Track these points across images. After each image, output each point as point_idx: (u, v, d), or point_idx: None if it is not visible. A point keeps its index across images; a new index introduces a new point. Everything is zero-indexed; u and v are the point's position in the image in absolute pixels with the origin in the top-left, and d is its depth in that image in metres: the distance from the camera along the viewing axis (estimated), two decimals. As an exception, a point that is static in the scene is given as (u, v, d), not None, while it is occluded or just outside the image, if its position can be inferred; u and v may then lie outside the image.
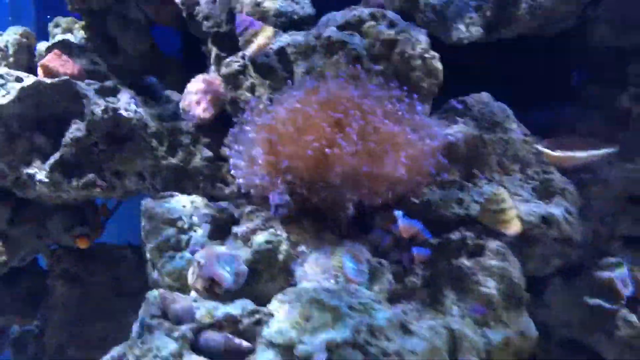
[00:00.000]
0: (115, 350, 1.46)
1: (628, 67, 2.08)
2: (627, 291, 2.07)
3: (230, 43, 2.15)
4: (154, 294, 1.56)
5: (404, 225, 1.79)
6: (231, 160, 1.85)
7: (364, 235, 1.87)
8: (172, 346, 1.43)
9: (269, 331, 1.42)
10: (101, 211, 2.58)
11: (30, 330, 2.86)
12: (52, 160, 1.96)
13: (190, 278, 1.67)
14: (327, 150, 1.66)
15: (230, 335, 1.48)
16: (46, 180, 1.96)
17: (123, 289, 2.52)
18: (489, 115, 1.91)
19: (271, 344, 1.40)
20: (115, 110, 1.97)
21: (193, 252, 1.78)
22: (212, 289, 1.62)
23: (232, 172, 1.91)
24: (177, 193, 1.98)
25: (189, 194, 1.99)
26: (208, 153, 2.09)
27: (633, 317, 2.05)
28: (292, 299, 1.50)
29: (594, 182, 2.08)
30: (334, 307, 1.43)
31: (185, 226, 1.85)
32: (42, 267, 2.74)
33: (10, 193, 2.32)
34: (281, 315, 1.47)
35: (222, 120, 2.10)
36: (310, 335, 1.39)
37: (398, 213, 1.81)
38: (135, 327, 1.52)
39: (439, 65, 1.92)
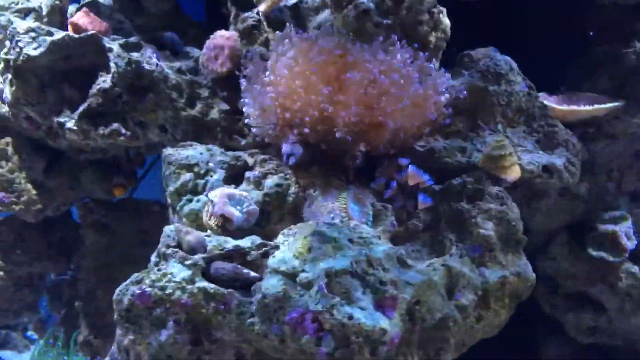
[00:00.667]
0: (134, 276, 1.57)
1: (635, 24, 2.08)
2: (630, 245, 2.10)
3: (248, 2, 2.22)
4: (170, 228, 1.66)
5: (410, 172, 1.85)
6: (244, 109, 1.93)
7: (369, 183, 1.94)
8: (185, 273, 1.52)
9: (274, 260, 1.50)
10: (136, 161, 2.71)
11: (65, 279, 3.03)
12: (80, 109, 2.07)
13: (205, 216, 1.76)
14: (327, 107, 1.73)
15: (239, 265, 1.57)
16: (75, 128, 2.08)
17: (148, 240, 2.64)
18: (493, 68, 1.94)
19: (276, 272, 1.48)
20: (138, 62, 2.06)
21: (208, 195, 1.87)
22: (224, 226, 1.72)
23: (247, 121, 1.99)
24: (195, 143, 2.07)
25: (207, 144, 2.07)
26: (225, 106, 2.17)
27: (635, 269, 2.08)
28: (296, 232, 1.58)
29: (599, 137, 2.10)
30: (334, 239, 1.51)
31: (202, 171, 1.94)
32: (76, 220, 2.89)
33: (45, 146, 2.46)
34: (286, 247, 1.55)
35: (240, 74, 2.17)
36: (312, 264, 1.47)
37: (403, 161, 1.87)
38: (153, 257, 1.62)
39: (446, 20, 1.95)
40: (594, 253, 2.07)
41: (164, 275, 1.52)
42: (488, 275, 1.66)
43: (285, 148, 2.00)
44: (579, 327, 2.23)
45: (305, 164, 1.94)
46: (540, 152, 1.91)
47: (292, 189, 1.83)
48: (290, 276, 1.47)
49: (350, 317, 1.40)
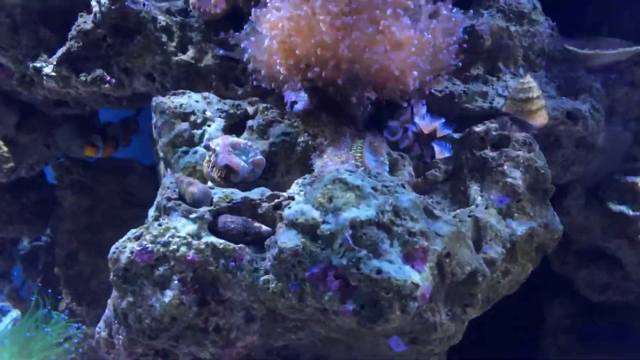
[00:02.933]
0: (132, 232, 1.42)
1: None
2: (651, 196, 2.02)
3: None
4: (169, 179, 1.51)
5: (427, 120, 1.72)
6: (245, 53, 1.76)
7: (382, 133, 1.81)
8: (190, 227, 1.38)
9: (290, 212, 1.37)
10: (133, 128, 2.53)
11: (40, 245, 2.84)
12: (59, 53, 1.88)
13: (206, 167, 1.62)
14: (327, 53, 1.58)
15: (249, 219, 1.43)
16: (53, 74, 1.89)
17: (132, 199, 2.49)
18: (516, 6, 1.81)
19: (293, 225, 1.35)
20: (122, 1, 1.87)
21: (207, 146, 1.72)
22: (228, 178, 1.57)
23: (249, 66, 1.83)
24: (189, 91, 1.90)
25: (201, 92, 1.91)
26: (221, 52, 2.00)
27: (656, 222, 2.01)
28: (313, 181, 1.44)
29: (620, 83, 2.00)
30: (357, 187, 1.38)
31: (199, 121, 1.78)
32: (51, 181, 2.70)
33: (16, 100, 2.26)
34: (302, 197, 1.42)
35: (235, 16, 2.00)
36: (334, 214, 1.34)
37: (419, 108, 1.74)
38: (152, 211, 1.47)
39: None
40: (614, 207, 1.99)
41: (167, 229, 1.37)
42: (515, 227, 1.56)
43: (289, 95, 1.85)
44: (591, 283, 2.17)
45: (312, 112, 1.80)
46: (563, 98, 1.80)
47: (301, 138, 1.69)
48: (310, 228, 1.34)
49: (379, 272, 1.28)
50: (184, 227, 1.38)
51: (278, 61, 1.72)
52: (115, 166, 2.58)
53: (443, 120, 1.70)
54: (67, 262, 2.40)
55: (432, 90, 1.75)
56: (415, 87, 1.65)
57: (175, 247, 1.36)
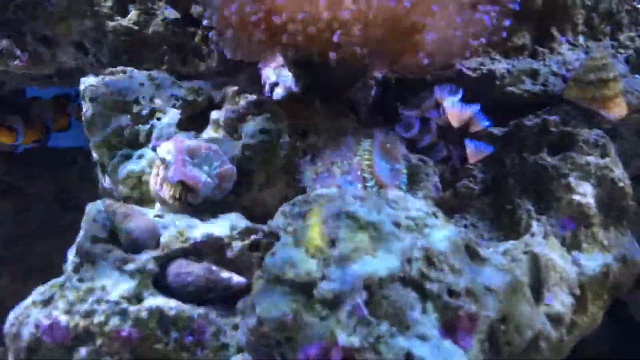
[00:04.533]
0: (38, 292, 1.00)
1: None
2: None
3: None
4: (97, 206, 1.08)
5: (452, 108, 1.31)
6: (206, 15, 1.32)
7: (393, 126, 1.41)
8: (125, 285, 0.98)
9: (274, 260, 0.96)
10: (73, 109, 2.05)
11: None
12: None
13: (153, 183, 1.19)
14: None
15: (214, 267, 1.03)
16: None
17: (72, 201, 2.06)
18: (576, -50, 1.38)
19: (278, 280, 0.95)
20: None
21: (156, 148, 1.29)
22: (185, 198, 1.16)
23: (210, 34, 1.38)
24: (131, 68, 1.47)
25: (148, 70, 1.47)
26: (174, 13, 1.56)
27: None
28: (306, 213, 1.03)
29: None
30: (373, 224, 0.97)
31: (145, 112, 1.37)
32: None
33: None
34: (291, 236, 1.01)
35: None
36: (339, 266, 0.94)
37: (442, 92, 1.33)
38: (71, 256, 1.05)
39: None
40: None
41: (90, 291, 0.97)
42: (585, 263, 1.18)
43: (268, 73, 1.43)
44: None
45: (300, 98, 1.38)
46: (638, 76, 1.39)
47: (286, 136, 1.27)
48: (303, 287, 0.94)
49: (409, 356, 0.88)
50: (116, 285, 0.98)
51: (253, 20, 1.27)
52: (51, 159, 2.14)
53: (478, 108, 1.29)
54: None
55: (464, 68, 1.33)
56: (448, 63, 1.23)
57: (102, 318, 0.95)
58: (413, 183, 1.27)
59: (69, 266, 1.03)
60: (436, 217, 1.06)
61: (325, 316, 0.92)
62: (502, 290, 1.01)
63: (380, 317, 0.92)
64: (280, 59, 1.44)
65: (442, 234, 1.02)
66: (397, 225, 1.00)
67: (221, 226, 1.09)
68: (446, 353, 0.92)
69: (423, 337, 0.92)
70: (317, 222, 1.00)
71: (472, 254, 1.05)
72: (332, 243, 0.97)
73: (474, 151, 1.32)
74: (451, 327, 0.95)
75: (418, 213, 1.04)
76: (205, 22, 1.33)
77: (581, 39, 1.41)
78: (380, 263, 0.94)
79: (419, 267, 0.96)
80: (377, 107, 1.50)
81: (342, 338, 0.90)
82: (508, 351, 1.02)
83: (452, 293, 0.96)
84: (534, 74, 1.34)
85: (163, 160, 1.18)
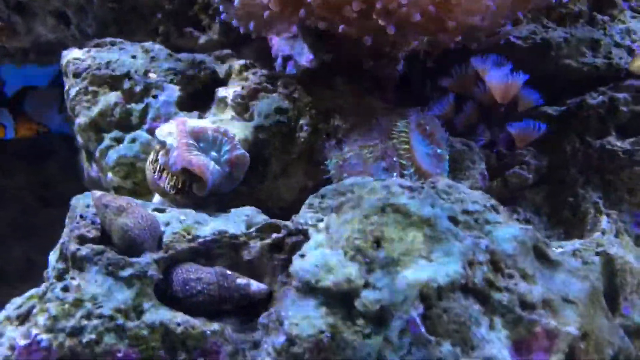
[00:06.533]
0: (14, 306, 0.84)
1: None
2: None
3: None
4: (84, 199, 0.92)
5: (497, 82, 1.16)
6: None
7: (422, 105, 1.27)
8: (121, 295, 0.82)
9: (305, 264, 0.82)
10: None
11: None
12: None
13: (150, 170, 1.03)
14: None
15: (228, 272, 0.88)
16: None
17: (51, 196, 1.89)
18: None
19: (310, 289, 0.80)
20: None
21: (153, 131, 1.13)
22: (189, 190, 1.00)
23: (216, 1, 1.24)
24: (121, 40, 1.31)
25: (140, 42, 1.32)
26: (170, -24, 1.39)
27: None
28: (341, 204, 0.88)
29: None
30: (426, 220, 0.82)
31: (138, 88, 1.22)
32: None
33: None
34: (323, 234, 0.86)
35: None
36: (387, 272, 0.79)
37: (483, 63, 1.19)
38: (52, 259, 0.89)
39: None
40: None
41: (77, 303, 0.81)
42: (663, 265, 1.03)
43: (281, 46, 1.28)
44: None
45: (319, 74, 1.23)
46: None
47: (306, 117, 1.12)
48: (343, 298, 0.79)
49: (477, 384, 0.74)
50: (109, 295, 0.82)
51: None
52: (28, 148, 1.96)
53: (525, 78, 1.15)
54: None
55: (512, 37, 1.18)
56: (492, 30, 1.08)
57: (93, 336, 0.79)
58: (456, 171, 1.13)
59: (51, 273, 0.87)
60: (497, 211, 0.92)
61: (370, 334, 0.78)
62: (581, 301, 0.86)
63: (441, 335, 0.77)
64: (294, 29, 1.28)
65: (508, 232, 0.87)
66: (454, 221, 0.85)
67: (235, 222, 0.93)
68: (521, 379, 0.77)
69: (491, 359, 0.78)
70: (356, 217, 0.84)
71: (542, 257, 0.90)
72: (377, 243, 0.82)
73: (523, 133, 1.18)
74: (525, 347, 0.81)
75: (475, 206, 0.90)
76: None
77: (645, 6, 1.27)
78: (438, 268, 0.79)
79: (484, 273, 0.81)
80: (404, 85, 1.35)
81: (393, 361, 0.76)
82: (587, 374, 0.87)
83: (525, 305, 0.81)
84: (594, 45, 1.20)
85: (163, 144, 1.02)
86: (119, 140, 1.20)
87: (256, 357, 0.85)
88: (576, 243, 1.01)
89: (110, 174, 1.18)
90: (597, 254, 0.99)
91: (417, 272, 0.79)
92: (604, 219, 1.05)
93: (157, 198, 1.08)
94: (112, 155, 1.18)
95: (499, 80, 1.17)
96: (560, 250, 1.00)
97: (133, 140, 1.19)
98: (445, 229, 0.83)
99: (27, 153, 1.99)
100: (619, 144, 1.08)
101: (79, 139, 1.26)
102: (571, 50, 1.19)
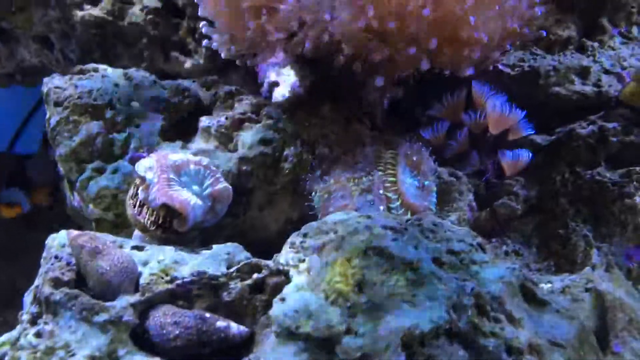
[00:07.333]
0: (-16, 351, 0.82)
1: None
2: None
3: None
4: (59, 239, 0.90)
5: (495, 111, 1.15)
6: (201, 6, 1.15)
7: (412, 132, 1.25)
8: (95, 341, 0.80)
9: (285, 308, 0.79)
10: None
11: None
12: None
13: (130, 205, 1.01)
14: None
15: (207, 314, 0.85)
16: None
17: (40, 221, 1.86)
18: None
19: (291, 335, 0.77)
20: None
21: (134, 161, 1.11)
22: (169, 225, 0.98)
23: (201, 25, 1.22)
24: (104, 66, 1.29)
25: (125, 67, 1.30)
26: (154, 2, 1.37)
27: None
28: (323, 245, 0.86)
29: None
30: (409, 263, 0.80)
31: (120, 117, 1.20)
32: None
33: None
34: (304, 276, 0.84)
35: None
36: (369, 318, 0.77)
37: (481, 90, 1.17)
38: (27, 302, 0.87)
39: None
40: None
41: (50, 351, 0.78)
42: (655, 300, 1.01)
43: (267, 71, 1.26)
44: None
45: (306, 101, 1.21)
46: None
47: (291, 147, 1.10)
48: (323, 343, 0.77)
49: None
50: (83, 342, 0.80)
51: (248, 10, 1.11)
52: (18, 167, 1.94)
53: (523, 114, 1.13)
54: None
55: (500, 66, 1.17)
56: (485, 57, 1.07)
57: (65, 386, 0.76)
58: (444, 202, 1.11)
59: (25, 316, 0.85)
60: (483, 250, 0.89)
61: (352, 382, 0.75)
62: (570, 344, 0.85)
63: (423, 384, 0.75)
64: (281, 55, 1.26)
65: (494, 273, 0.85)
66: (439, 263, 0.83)
67: (215, 261, 0.91)
68: None
69: (477, 410, 0.76)
70: (338, 259, 0.82)
71: (529, 296, 0.88)
72: (359, 287, 0.80)
73: (512, 162, 1.16)
74: (512, 394, 0.78)
75: (461, 245, 0.88)
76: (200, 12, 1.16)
77: (635, 30, 1.25)
78: (421, 314, 0.77)
79: (469, 317, 0.79)
80: (394, 111, 1.33)
81: (375, 412, 0.73)
82: (576, 419, 0.85)
83: (511, 350, 0.79)
84: (584, 72, 1.18)
85: (142, 179, 1.00)
86: (100, 171, 1.17)
87: (235, 403, 0.83)
88: (565, 279, 0.99)
89: (91, 206, 1.16)
90: (587, 290, 0.97)
91: (399, 318, 0.77)
92: (594, 253, 1.03)
93: (137, 233, 1.06)
94: (93, 187, 1.16)
95: (499, 111, 1.15)
96: (549, 285, 0.98)
97: (115, 171, 1.17)
98: (429, 272, 0.81)
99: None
100: (608, 175, 1.07)
101: (60, 168, 1.23)
102: (560, 78, 1.17)
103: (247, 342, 0.87)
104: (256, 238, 1.13)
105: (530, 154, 1.15)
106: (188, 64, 1.42)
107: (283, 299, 0.82)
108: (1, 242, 1.87)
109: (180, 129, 1.22)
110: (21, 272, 1.83)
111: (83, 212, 1.22)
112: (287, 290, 0.83)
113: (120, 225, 1.15)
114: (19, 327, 0.85)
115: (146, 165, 1.01)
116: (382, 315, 0.78)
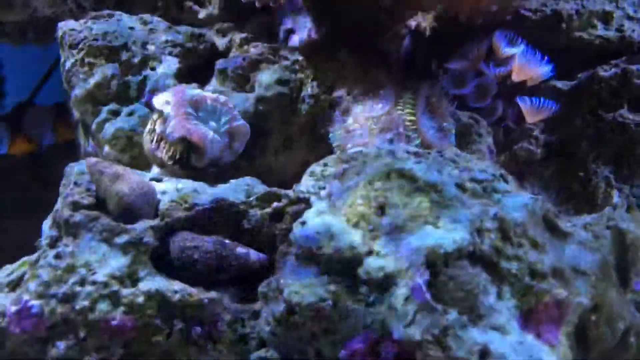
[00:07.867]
0: (6, 273, 0.83)
1: None
2: None
3: None
4: (78, 167, 0.90)
5: (524, 62, 1.14)
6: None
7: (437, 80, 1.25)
8: (116, 261, 0.80)
9: (305, 230, 0.79)
10: None
11: None
12: None
13: (148, 140, 1.01)
14: None
15: (227, 241, 0.85)
16: None
17: (52, 175, 1.87)
18: None
19: (311, 256, 0.78)
20: None
21: (150, 105, 1.11)
22: (187, 160, 0.98)
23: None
24: (119, 12, 1.28)
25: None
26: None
27: None
28: (345, 171, 0.85)
29: None
30: (433, 185, 0.80)
31: (136, 60, 1.19)
32: None
33: None
34: (326, 202, 0.84)
35: None
36: (391, 238, 0.77)
37: (501, 38, 1.16)
38: (46, 227, 0.87)
39: None
40: None
41: (70, 269, 0.79)
42: (676, 241, 1.00)
43: (285, 19, 1.26)
44: None
45: (323, 46, 1.20)
46: None
47: (308, 88, 1.10)
48: (345, 265, 0.77)
49: (485, 354, 0.71)
50: (104, 262, 0.81)
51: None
52: (29, 122, 1.95)
53: (551, 68, 1.12)
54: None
55: (522, 10, 1.16)
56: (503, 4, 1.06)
57: (87, 303, 0.78)
58: (463, 145, 1.10)
59: (44, 241, 0.85)
60: (506, 180, 0.89)
61: (374, 302, 0.76)
62: (593, 272, 0.84)
63: (447, 303, 0.75)
64: (298, 1, 1.26)
65: (517, 200, 0.85)
66: (462, 188, 0.83)
67: (235, 191, 0.91)
68: (530, 350, 0.75)
69: (499, 329, 0.75)
70: (360, 182, 0.82)
71: (552, 228, 0.88)
72: (382, 209, 0.80)
73: (533, 109, 1.15)
74: (533, 317, 0.78)
75: (484, 175, 0.87)
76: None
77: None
78: (445, 234, 0.77)
79: (493, 241, 0.79)
80: (408, 62, 1.33)
81: (397, 329, 0.73)
82: (599, 349, 0.85)
83: (535, 274, 0.79)
84: (606, 17, 1.17)
85: (160, 113, 1.00)
86: (116, 113, 1.17)
87: (255, 326, 0.83)
88: (587, 217, 0.99)
89: (107, 147, 1.16)
90: (608, 227, 0.97)
91: (422, 238, 0.77)
92: (615, 194, 1.02)
93: (155, 170, 1.06)
94: (109, 129, 1.16)
95: (526, 62, 1.14)
96: (572, 223, 0.97)
97: (131, 113, 1.17)
98: (452, 196, 0.81)
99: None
100: (631, 117, 1.06)
101: (75, 112, 1.23)
102: (583, 22, 1.17)
103: (266, 270, 0.87)
104: (273, 181, 1.13)
105: (556, 106, 1.14)
106: (202, 14, 1.42)
107: (304, 222, 0.82)
108: (13, 200, 1.88)
109: (196, 74, 1.22)
110: (33, 229, 1.85)
111: (98, 156, 1.22)
112: (308, 214, 0.83)
113: (135, 167, 1.14)
114: (38, 252, 0.85)
115: (164, 100, 1.01)
116: (405, 236, 0.77)
